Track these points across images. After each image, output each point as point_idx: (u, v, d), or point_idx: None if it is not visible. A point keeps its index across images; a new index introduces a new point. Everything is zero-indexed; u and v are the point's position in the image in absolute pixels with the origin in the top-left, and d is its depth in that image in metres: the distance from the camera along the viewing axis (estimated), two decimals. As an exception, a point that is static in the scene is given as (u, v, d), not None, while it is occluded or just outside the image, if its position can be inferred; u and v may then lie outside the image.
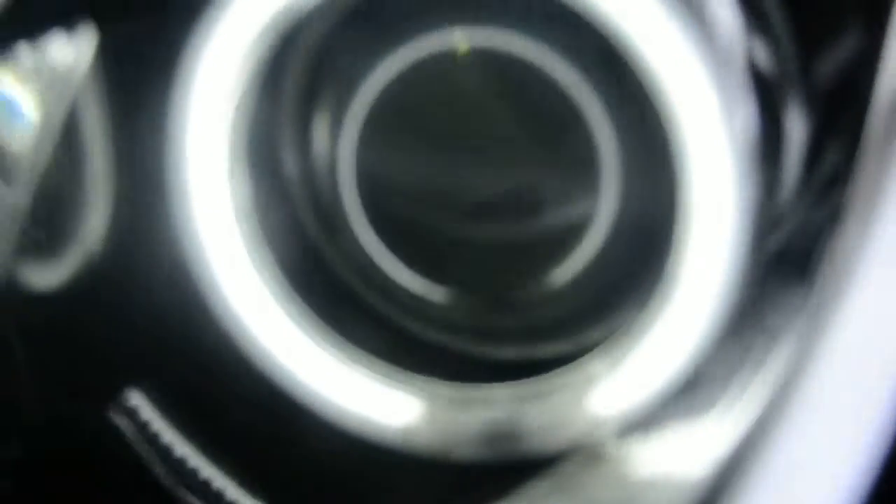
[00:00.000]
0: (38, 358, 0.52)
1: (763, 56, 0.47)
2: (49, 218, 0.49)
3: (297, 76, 0.44)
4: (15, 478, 0.53)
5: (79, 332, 0.52)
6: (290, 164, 0.46)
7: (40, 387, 0.53)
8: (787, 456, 0.32)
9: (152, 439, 0.52)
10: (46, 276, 0.51)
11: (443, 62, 0.42)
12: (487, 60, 0.41)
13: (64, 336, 0.52)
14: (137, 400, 0.53)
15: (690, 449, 0.40)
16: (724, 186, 0.37)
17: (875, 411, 0.32)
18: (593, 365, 0.43)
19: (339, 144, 0.44)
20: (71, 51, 0.41)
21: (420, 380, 0.46)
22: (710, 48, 0.40)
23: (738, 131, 0.40)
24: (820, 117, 0.45)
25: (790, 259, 0.45)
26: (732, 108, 0.40)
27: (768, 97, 0.47)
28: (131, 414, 0.53)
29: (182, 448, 0.51)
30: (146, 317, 0.50)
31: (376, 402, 0.45)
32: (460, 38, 0.41)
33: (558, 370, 0.44)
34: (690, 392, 0.43)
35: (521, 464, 0.44)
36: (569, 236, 0.43)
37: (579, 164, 0.41)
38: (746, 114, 0.42)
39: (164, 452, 0.51)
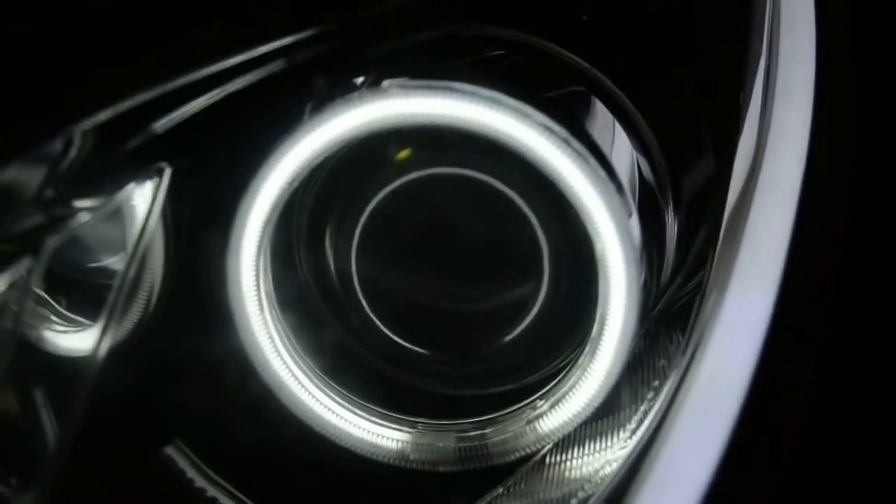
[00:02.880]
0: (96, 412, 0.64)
1: (646, 170, 0.64)
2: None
3: (312, 202, 0.59)
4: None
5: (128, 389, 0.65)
6: (304, 263, 0.61)
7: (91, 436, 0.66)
8: (668, 454, 0.49)
9: (187, 484, 0.65)
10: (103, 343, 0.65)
11: (419, 188, 0.58)
12: (459, 188, 0.57)
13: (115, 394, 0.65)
14: (172, 451, 0.66)
15: (608, 454, 0.56)
16: (625, 272, 0.53)
17: (720, 421, 0.49)
18: (536, 399, 0.59)
19: (346, 247, 0.59)
20: (150, 189, 0.55)
21: (408, 416, 0.62)
22: (612, 173, 0.57)
23: (632, 227, 0.57)
24: (687, 219, 0.63)
25: (671, 319, 0.63)
26: (627, 212, 0.57)
27: (652, 199, 0.64)
28: (168, 462, 0.66)
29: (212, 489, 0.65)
30: (189, 382, 0.64)
31: (379, 433, 0.60)
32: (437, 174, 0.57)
33: (510, 404, 0.60)
34: (607, 415, 0.59)
35: (486, 473, 0.59)
36: (516, 309, 0.59)
37: (524, 259, 0.58)
38: (635, 214, 0.59)
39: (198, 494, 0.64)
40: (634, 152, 0.61)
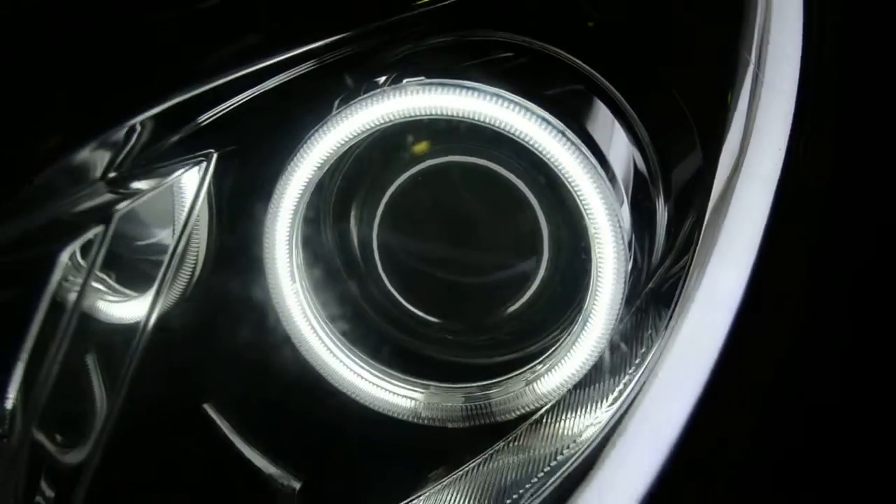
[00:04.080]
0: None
1: (640, 164, 0.71)
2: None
3: (340, 184, 0.67)
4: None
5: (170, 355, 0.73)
6: (331, 238, 0.69)
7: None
8: (641, 416, 0.56)
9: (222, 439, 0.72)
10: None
11: (434, 174, 0.65)
12: (467, 174, 0.64)
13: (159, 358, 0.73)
14: (209, 407, 0.74)
15: (595, 415, 0.63)
16: (614, 252, 0.60)
17: (692, 386, 0.56)
18: (536, 364, 0.66)
19: (369, 224, 0.67)
20: (197, 173, 0.63)
21: (421, 379, 0.69)
22: (605, 163, 0.63)
23: (623, 214, 0.64)
24: (676, 208, 0.69)
25: (660, 296, 0.69)
26: (618, 198, 0.63)
27: (644, 189, 0.70)
28: (208, 423, 0.73)
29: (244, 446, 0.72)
30: (226, 344, 0.71)
31: (395, 391, 0.68)
32: (449, 162, 0.64)
33: (513, 370, 0.67)
34: (597, 381, 0.66)
35: (489, 430, 0.66)
36: (519, 282, 0.66)
37: (526, 238, 0.65)
38: (626, 203, 0.66)
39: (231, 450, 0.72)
40: (630, 147, 0.68)
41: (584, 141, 0.60)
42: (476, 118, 0.57)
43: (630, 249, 0.62)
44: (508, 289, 0.66)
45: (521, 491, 0.59)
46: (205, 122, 0.64)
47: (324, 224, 0.68)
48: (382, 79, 0.65)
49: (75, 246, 0.57)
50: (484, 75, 0.61)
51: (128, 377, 0.67)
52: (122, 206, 0.58)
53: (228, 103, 0.64)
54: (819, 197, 0.68)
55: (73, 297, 0.62)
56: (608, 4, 0.70)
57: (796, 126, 0.69)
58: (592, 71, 0.67)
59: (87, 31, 0.62)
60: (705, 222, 0.65)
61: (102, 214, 0.57)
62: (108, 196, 0.58)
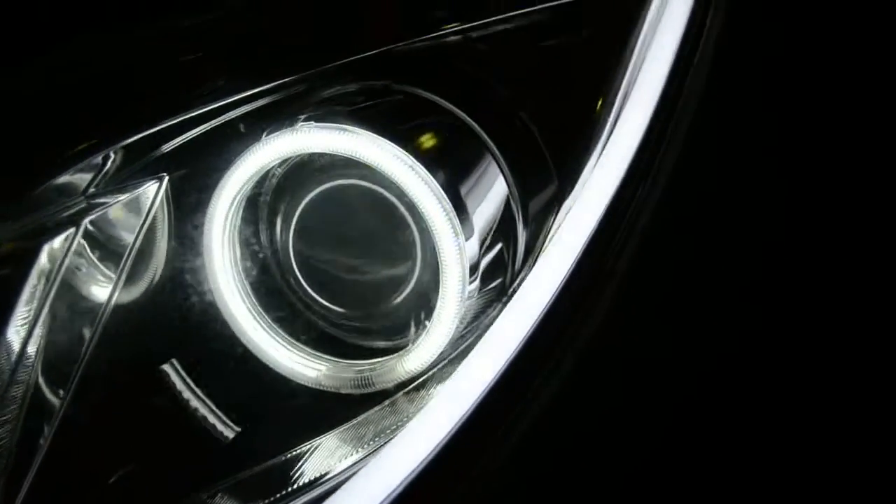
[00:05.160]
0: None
1: (504, 190, 0.88)
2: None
3: (271, 198, 0.86)
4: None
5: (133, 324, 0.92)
6: (263, 240, 0.88)
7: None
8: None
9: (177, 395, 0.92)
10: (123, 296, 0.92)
11: (338, 192, 0.84)
12: (362, 193, 0.83)
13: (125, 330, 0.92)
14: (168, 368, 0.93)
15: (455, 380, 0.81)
16: (456, 262, 0.78)
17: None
18: (407, 348, 0.84)
19: (287, 230, 0.86)
20: (153, 191, 0.83)
21: (324, 356, 0.88)
22: (456, 194, 0.81)
23: (464, 240, 0.81)
24: (534, 229, 0.86)
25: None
26: (468, 223, 0.81)
27: (509, 213, 0.88)
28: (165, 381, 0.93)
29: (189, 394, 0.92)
30: (177, 321, 0.91)
31: (303, 365, 0.87)
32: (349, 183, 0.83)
33: (393, 352, 0.86)
34: (454, 357, 0.84)
35: (372, 396, 0.85)
36: (400, 279, 0.85)
37: (405, 245, 0.83)
38: (486, 219, 0.83)
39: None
40: (495, 178, 0.86)
41: (441, 174, 0.78)
42: (347, 153, 0.76)
43: (478, 267, 0.80)
44: (392, 285, 0.84)
45: (382, 435, 0.78)
46: (166, 151, 0.84)
47: (259, 229, 0.88)
48: (303, 116, 0.84)
49: (53, 242, 0.78)
50: (372, 117, 0.80)
51: (93, 341, 0.87)
52: (92, 214, 0.79)
53: (184, 136, 0.84)
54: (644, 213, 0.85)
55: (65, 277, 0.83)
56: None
57: (635, 165, 0.86)
58: (465, 115, 0.85)
59: (76, 73, 0.83)
60: (550, 237, 0.83)
61: (75, 220, 0.78)
62: (83, 206, 0.79)
